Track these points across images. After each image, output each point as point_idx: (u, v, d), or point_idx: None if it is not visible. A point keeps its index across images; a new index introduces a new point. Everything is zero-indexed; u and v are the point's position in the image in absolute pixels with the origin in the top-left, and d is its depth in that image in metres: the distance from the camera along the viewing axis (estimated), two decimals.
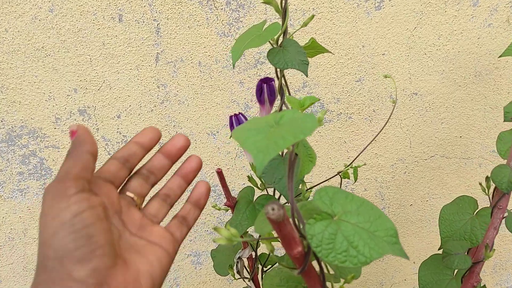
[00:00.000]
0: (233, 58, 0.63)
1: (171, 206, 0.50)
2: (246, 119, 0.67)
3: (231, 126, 0.66)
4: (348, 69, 1.04)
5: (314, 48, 0.75)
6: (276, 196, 0.72)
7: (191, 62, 1.00)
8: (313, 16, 0.67)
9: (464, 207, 0.96)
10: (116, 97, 1.00)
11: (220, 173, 0.72)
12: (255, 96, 1.05)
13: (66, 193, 0.37)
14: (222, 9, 0.96)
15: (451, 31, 1.03)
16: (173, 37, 0.97)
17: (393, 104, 0.85)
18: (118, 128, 1.03)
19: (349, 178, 0.84)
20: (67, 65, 0.97)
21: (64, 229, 0.36)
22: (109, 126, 1.03)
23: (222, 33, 0.98)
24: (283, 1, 0.64)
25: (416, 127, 1.12)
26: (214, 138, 1.07)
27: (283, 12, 0.65)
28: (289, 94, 0.70)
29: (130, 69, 0.98)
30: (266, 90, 0.64)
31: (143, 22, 0.95)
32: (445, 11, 1.01)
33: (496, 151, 1.16)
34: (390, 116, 0.81)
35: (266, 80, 0.65)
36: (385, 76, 0.91)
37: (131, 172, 0.47)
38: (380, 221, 0.45)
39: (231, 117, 0.66)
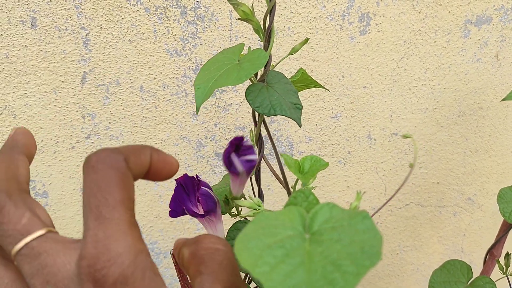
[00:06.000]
0: (197, 99, 0.42)
1: None
2: (209, 188, 0.40)
3: (176, 202, 0.39)
4: (324, 103, 0.86)
5: (304, 82, 0.56)
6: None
7: (131, 86, 0.76)
8: (306, 40, 0.48)
9: (456, 275, 0.80)
10: None
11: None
12: (210, 132, 0.83)
13: None
14: (175, 20, 0.74)
15: (438, 64, 0.90)
16: (107, 52, 0.73)
17: (410, 168, 0.68)
18: None
19: None
20: None
21: None
22: None
23: (173, 51, 0.75)
24: (268, 19, 0.44)
25: (393, 172, 0.97)
26: (156, 183, 0.83)
27: (267, 34, 0.45)
28: (275, 148, 0.50)
29: (45, 92, 0.72)
30: (239, 160, 0.39)
31: (66, 29, 0.70)
32: (435, 41, 0.87)
33: (472, 199, 1.04)
34: (409, 174, 0.63)
35: (237, 143, 0.38)
36: (405, 137, 0.74)
37: None
38: None
39: (178, 182, 0.39)
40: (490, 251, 0.76)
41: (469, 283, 0.74)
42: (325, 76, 0.84)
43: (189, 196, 0.37)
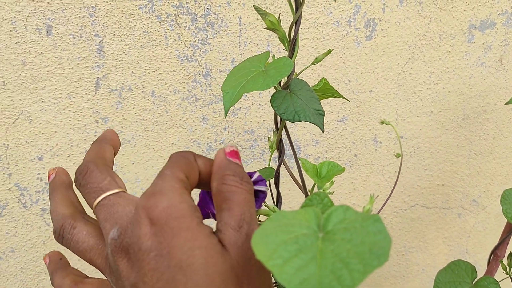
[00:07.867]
0: (225, 103, 0.44)
1: None
2: (264, 183, 0.38)
3: (201, 204, 0.39)
4: (330, 107, 0.88)
5: (325, 91, 0.57)
6: None
7: (142, 92, 0.78)
8: (330, 50, 0.50)
9: (461, 275, 0.81)
10: (38, 133, 0.75)
11: None
12: (219, 136, 0.85)
13: None
14: (186, 26, 0.76)
15: (443, 68, 0.91)
16: (120, 58, 0.75)
17: (400, 158, 0.70)
18: (38, 173, 0.78)
19: None
20: None
21: None
22: (27, 171, 0.77)
23: (184, 57, 0.77)
24: (294, 29, 0.46)
25: None
26: None
27: (292, 44, 0.47)
28: (294, 153, 0.52)
29: (60, 97, 0.74)
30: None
31: (81, 37, 0.72)
32: (439, 46, 0.89)
33: (476, 200, 1.05)
34: (399, 172, 0.65)
35: None
36: (382, 122, 0.76)
37: None
38: None
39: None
40: (494, 252, 0.77)
41: (473, 283, 0.75)
42: (332, 80, 0.86)
43: (212, 200, 0.38)
